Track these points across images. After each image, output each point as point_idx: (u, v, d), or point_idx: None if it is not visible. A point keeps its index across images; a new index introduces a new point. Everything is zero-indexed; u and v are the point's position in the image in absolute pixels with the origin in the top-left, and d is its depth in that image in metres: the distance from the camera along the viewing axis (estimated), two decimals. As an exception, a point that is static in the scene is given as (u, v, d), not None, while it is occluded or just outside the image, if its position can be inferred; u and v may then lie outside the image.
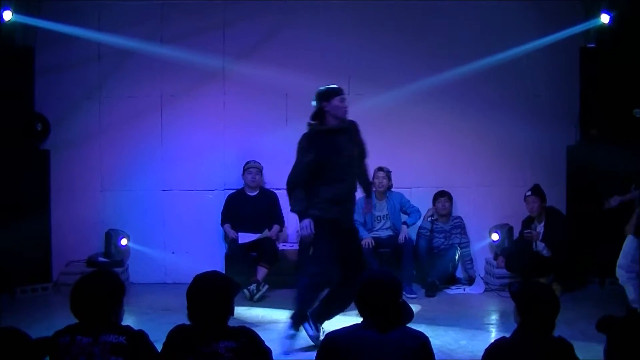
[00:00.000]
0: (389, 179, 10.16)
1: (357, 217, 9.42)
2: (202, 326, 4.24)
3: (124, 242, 10.18)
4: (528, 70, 10.46)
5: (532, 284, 4.80)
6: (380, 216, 10.25)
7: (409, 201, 10.28)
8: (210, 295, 4.27)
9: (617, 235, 8.86)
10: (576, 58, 10.21)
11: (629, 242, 7.88)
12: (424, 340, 4.33)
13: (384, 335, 4.21)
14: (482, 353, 4.33)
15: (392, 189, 10.25)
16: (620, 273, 7.90)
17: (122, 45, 10.06)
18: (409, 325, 4.40)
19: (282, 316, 8.38)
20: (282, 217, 10.19)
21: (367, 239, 9.75)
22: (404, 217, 10.21)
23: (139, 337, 4.28)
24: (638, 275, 7.68)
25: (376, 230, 10.20)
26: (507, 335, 4.42)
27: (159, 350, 4.33)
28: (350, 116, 9.83)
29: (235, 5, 10.44)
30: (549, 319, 4.29)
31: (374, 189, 10.04)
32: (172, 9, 10.37)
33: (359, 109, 10.23)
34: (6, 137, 9.40)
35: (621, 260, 7.88)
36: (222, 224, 10.12)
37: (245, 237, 9.81)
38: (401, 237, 9.96)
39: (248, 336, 4.29)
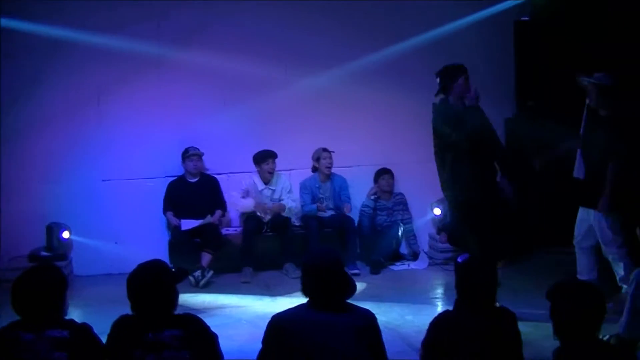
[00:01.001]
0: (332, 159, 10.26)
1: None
2: (146, 316, 4.22)
3: (65, 235, 10.05)
4: (464, 45, 10.49)
5: (471, 258, 4.83)
6: (323, 197, 10.31)
7: (347, 188, 10.47)
8: (151, 284, 4.25)
9: (558, 205, 9.03)
10: (511, 31, 10.31)
11: (596, 217, 7.59)
12: (371, 318, 4.36)
13: (331, 316, 4.23)
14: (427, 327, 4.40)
15: (333, 169, 10.32)
16: (609, 251, 7.56)
17: (57, 36, 9.93)
18: (354, 301, 4.43)
19: (227, 301, 8.42)
20: (224, 202, 10.21)
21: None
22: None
23: (83, 331, 4.25)
24: (628, 253, 7.56)
25: (319, 211, 10.26)
26: (451, 308, 4.48)
27: (105, 343, 4.30)
28: (289, 98, 9.89)
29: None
30: (485, 295, 4.36)
31: (319, 171, 10.16)
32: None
33: (297, 91, 10.31)
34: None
35: (603, 238, 7.57)
36: (164, 211, 10.08)
37: (188, 224, 9.79)
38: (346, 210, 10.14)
39: (193, 323, 4.29)
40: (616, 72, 7.61)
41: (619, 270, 7.47)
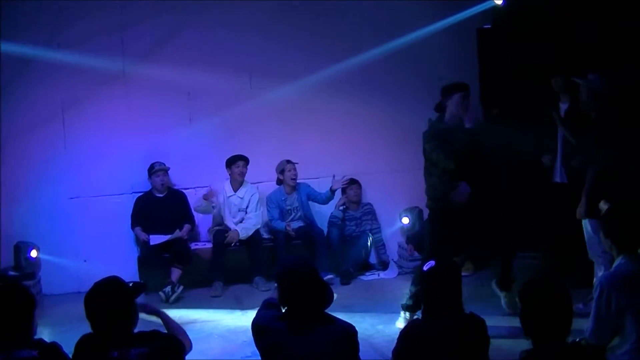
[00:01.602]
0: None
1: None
2: (106, 334, 4.20)
3: (33, 253, 9.97)
4: (428, 54, 10.59)
5: (437, 265, 4.85)
6: (291, 209, 10.32)
7: (314, 191, 10.46)
8: (108, 301, 4.24)
9: (524, 210, 9.08)
10: (474, 39, 10.38)
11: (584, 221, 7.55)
12: (350, 332, 4.38)
13: (311, 328, 4.23)
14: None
15: (298, 180, 10.33)
16: (594, 254, 7.51)
17: (17, 52, 9.86)
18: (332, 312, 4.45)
19: (198, 316, 8.40)
20: (192, 216, 10.19)
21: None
22: (315, 206, 10.45)
23: (52, 350, 4.22)
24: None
25: (290, 221, 10.27)
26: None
27: (72, 362, 4.27)
28: (254, 110, 9.87)
29: (132, 5, 10.27)
30: (451, 302, 4.38)
31: (284, 184, 10.17)
32: (68, 12, 10.15)
33: (262, 103, 10.31)
34: None
35: (588, 242, 7.54)
36: (133, 227, 10.03)
37: (156, 239, 9.75)
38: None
39: (160, 341, 4.26)
40: (605, 76, 7.61)
41: (599, 274, 7.47)
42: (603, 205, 7.41)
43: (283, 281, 4.41)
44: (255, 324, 4.49)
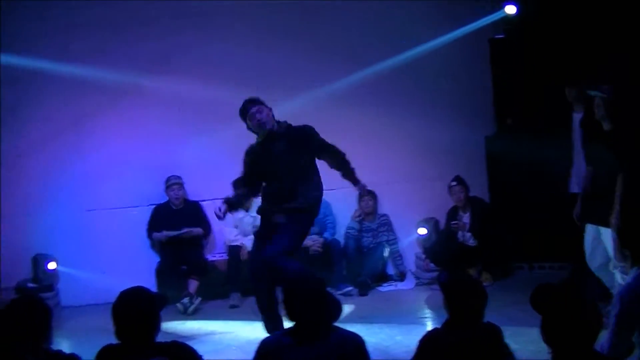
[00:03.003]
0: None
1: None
2: (131, 343, 4.22)
3: (52, 265, 10.04)
4: (441, 65, 10.56)
5: (458, 276, 4.86)
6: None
7: (331, 213, 10.45)
8: (136, 311, 4.25)
9: (540, 221, 9.07)
10: (487, 49, 10.39)
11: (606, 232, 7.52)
12: (358, 342, 4.36)
13: (318, 341, 4.22)
14: (416, 347, 4.42)
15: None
16: (619, 265, 7.49)
17: (34, 67, 9.94)
18: (343, 323, 4.44)
19: (216, 327, 8.41)
20: (209, 225, 10.20)
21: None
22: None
23: (71, 361, 4.25)
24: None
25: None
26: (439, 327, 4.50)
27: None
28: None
29: (147, 21, 10.37)
30: (476, 310, 4.38)
31: None
32: (79, 25, 10.18)
33: (277, 114, 10.30)
34: None
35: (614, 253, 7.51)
36: (149, 234, 10.11)
37: (170, 233, 9.90)
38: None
39: (181, 351, 4.28)
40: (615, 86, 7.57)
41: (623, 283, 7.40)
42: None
43: (290, 296, 4.40)
44: (261, 346, 4.44)
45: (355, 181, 7.97)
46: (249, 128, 7.61)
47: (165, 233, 9.91)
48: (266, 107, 7.61)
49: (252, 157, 7.57)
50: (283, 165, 7.39)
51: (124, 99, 10.35)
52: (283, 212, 7.30)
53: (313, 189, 7.55)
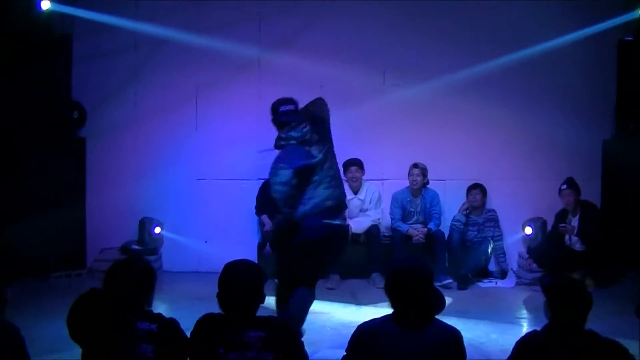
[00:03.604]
0: (424, 176, 10.13)
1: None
2: (233, 314, 4.24)
3: (157, 230, 10.26)
4: (565, 63, 10.38)
5: (564, 279, 4.75)
6: (414, 211, 10.24)
7: (438, 203, 10.29)
8: (242, 283, 4.25)
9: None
10: (614, 51, 10.14)
11: None
12: (456, 336, 4.28)
13: (416, 331, 4.18)
14: (512, 347, 4.32)
15: (429, 186, 10.26)
16: None
17: (158, 35, 10.13)
18: (440, 317, 4.38)
19: (313, 307, 8.36)
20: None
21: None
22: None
23: (171, 325, 4.28)
24: None
25: (410, 224, 10.22)
26: (538, 329, 4.40)
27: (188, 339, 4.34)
28: (386, 106, 9.88)
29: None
30: (580, 315, 4.26)
31: (409, 186, 10.11)
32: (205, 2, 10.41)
33: (395, 100, 10.30)
34: (44, 125, 9.52)
35: None
36: (258, 212, 10.11)
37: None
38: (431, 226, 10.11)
39: (278, 326, 4.28)
40: None
41: None
42: None
43: (397, 282, 4.35)
44: (360, 330, 4.40)
45: None
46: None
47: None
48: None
49: None
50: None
51: (245, 73, 10.53)
52: None
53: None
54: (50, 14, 9.66)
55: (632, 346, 4.32)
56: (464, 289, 9.67)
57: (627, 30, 10.20)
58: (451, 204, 10.51)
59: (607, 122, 10.38)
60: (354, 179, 10.05)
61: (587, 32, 10.06)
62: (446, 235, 10.21)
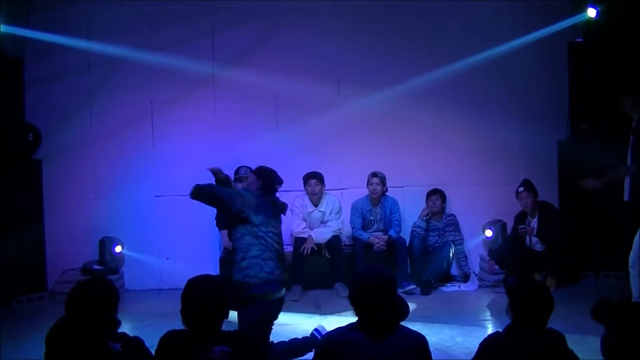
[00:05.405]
0: (384, 184, 10.18)
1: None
2: (197, 330, 4.23)
3: (118, 249, 10.20)
4: (517, 67, 10.49)
5: (526, 281, 4.79)
6: (373, 220, 10.28)
7: (398, 210, 10.35)
8: (205, 298, 4.26)
9: (610, 229, 8.92)
10: (564, 53, 10.24)
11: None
12: (422, 342, 4.32)
13: (381, 338, 4.19)
14: (477, 349, 4.36)
15: (387, 193, 10.30)
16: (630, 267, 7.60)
17: (111, 54, 10.09)
18: (405, 323, 4.40)
19: (279, 319, 8.41)
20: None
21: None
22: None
23: (135, 344, 4.27)
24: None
25: (371, 232, 10.26)
26: (501, 330, 4.44)
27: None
28: (341, 117, 9.93)
29: (223, 11, 10.47)
30: (542, 317, 4.31)
31: (369, 195, 10.15)
32: (160, 16, 10.40)
33: (350, 111, 10.34)
34: (-2, 148, 9.43)
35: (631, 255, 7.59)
36: (219, 227, 10.05)
37: None
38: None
39: (244, 341, 4.27)
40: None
41: (634, 291, 7.46)
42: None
43: (358, 292, 4.36)
44: (326, 340, 4.42)
45: None
46: None
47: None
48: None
49: None
50: None
51: (200, 89, 10.53)
52: None
53: None
54: (1, 36, 9.58)
55: (595, 342, 4.35)
56: (428, 294, 9.71)
57: (576, 32, 10.32)
58: (411, 210, 10.57)
59: (561, 124, 10.47)
60: (314, 192, 10.06)
61: (537, 36, 10.17)
62: (407, 242, 10.26)
